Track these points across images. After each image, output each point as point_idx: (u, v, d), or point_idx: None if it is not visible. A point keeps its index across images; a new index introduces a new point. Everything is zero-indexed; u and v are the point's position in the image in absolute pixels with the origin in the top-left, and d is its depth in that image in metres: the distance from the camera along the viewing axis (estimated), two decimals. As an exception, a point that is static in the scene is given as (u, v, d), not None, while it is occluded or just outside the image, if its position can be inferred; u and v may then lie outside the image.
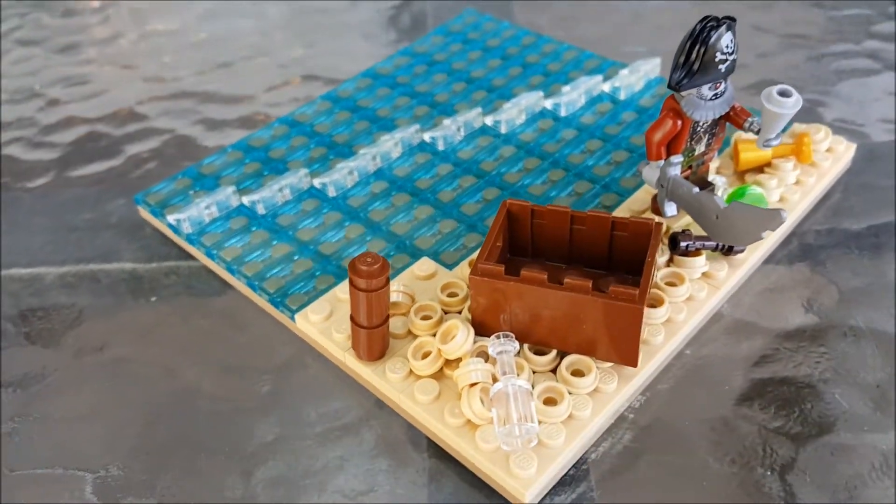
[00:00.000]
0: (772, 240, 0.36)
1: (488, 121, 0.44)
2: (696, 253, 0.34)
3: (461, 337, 0.30)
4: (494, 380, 0.28)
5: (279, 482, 0.29)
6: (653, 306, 0.32)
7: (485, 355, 0.30)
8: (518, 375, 0.28)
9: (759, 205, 0.35)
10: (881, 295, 0.35)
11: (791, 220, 0.37)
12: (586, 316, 0.29)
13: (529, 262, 0.33)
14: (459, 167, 0.41)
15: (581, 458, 0.29)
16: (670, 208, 0.34)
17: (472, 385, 0.28)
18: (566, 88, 0.45)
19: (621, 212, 0.37)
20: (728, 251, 0.34)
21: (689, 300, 0.33)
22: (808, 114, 0.45)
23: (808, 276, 0.36)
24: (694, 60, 0.31)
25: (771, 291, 0.35)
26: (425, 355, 0.30)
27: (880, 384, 0.31)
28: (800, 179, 0.38)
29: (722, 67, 0.31)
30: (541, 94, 0.45)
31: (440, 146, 0.42)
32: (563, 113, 0.44)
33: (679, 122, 0.33)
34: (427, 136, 0.43)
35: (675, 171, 0.33)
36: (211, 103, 0.50)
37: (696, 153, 0.34)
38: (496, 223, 0.31)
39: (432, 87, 0.47)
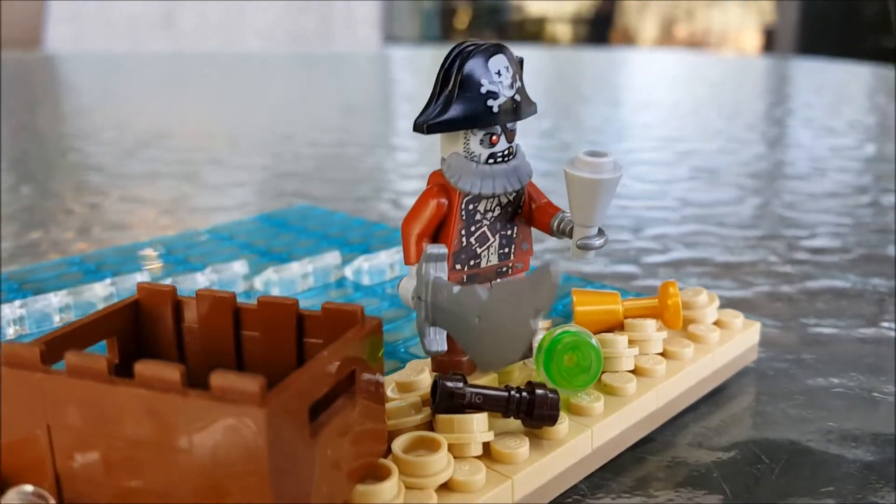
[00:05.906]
0: (602, 436, 0.22)
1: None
2: (474, 411, 0.20)
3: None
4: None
5: None
6: (370, 477, 0.17)
7: None
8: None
9: (583, 357, 0.22)
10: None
11: (647, 407, 0.23)
12: (176, 434, 0.14)
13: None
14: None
15: None
16: (435, 337, 0.21)
17: None
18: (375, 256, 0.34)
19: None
20: (528, 413, 0.20)
21: (449, 492, 0.18)
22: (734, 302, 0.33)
23: None
24: (452, 89, 0.21)
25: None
26: None
27: None
28: (669, 350, 0.25)
29: (494, 105, 0.21)
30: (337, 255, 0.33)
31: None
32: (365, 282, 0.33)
33: (444, 200, 0.22)
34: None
35: (438, 269, 0.21)
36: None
37: (484, 263, 0.22)
38: (105, 312, 0.18)
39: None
